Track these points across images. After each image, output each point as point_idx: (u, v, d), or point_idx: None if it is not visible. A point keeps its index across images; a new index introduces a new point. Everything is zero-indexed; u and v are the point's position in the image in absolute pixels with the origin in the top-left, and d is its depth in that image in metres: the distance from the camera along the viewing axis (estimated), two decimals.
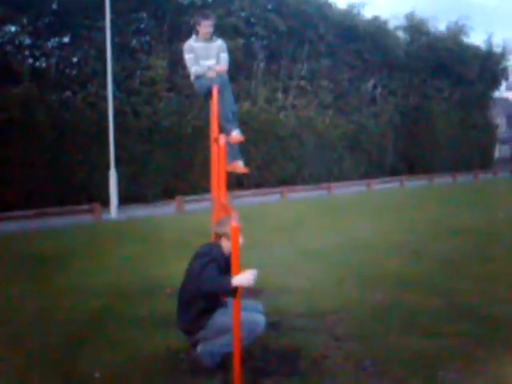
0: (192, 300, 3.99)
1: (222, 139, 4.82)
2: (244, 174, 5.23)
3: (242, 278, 3.57)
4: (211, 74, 5.40)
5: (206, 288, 3.78)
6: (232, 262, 3.70)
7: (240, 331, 3.72)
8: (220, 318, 3.96)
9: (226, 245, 4.03)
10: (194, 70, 5.54)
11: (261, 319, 4.09)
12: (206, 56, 5.56)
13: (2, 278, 7.04)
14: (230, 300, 3.84)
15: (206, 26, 5.51)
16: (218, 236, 4.14)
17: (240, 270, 3.62)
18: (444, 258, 8.06)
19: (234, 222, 3.70)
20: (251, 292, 5.83)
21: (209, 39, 5.58)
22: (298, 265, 7.71)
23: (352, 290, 6.28)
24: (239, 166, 5.60)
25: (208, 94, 5.39)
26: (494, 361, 4.20)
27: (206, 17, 5.56)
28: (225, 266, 3.94)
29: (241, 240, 3.87)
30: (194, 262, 4.10)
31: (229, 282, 3.58)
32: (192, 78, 5.64)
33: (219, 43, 5.68)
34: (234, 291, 3.62)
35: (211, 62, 5.54)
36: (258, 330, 4.04)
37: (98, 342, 4.66)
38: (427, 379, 3.88)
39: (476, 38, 62.00)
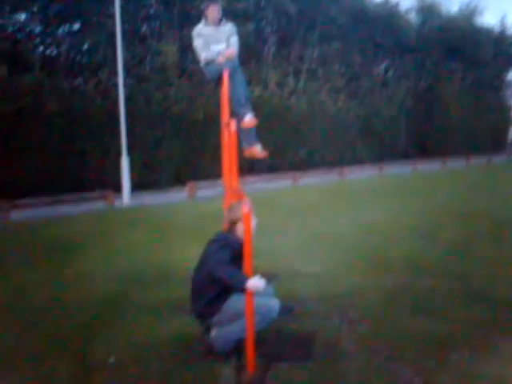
0: (206, 285, 4.01)
1: (233, 124, 4.80)
2: (258, 159, 5.27)
3: (255, 285, 3.67)
4: (221, 60, 5.37)
5: (218, 274, 3.79)
6: (245, 246, 3.72)
7: (254, 316, 3.74)
8: (234, 302, 3.98)
9: (240, 229, 4.04)
10: (203, 55, 5.52)
11: (275, 304, 4.10)
12: (215, 40, 5.54)
13: (16, 264, 7.12)
14: None
15: (213, 11, 5.48)
16: (233, 222, 4.13)
17: (252, 255, 3.64)
18: (457, 242, 8.02)
19: (246, 207, 3.71)
20: (264, 276, 5.85)
21: (217, 24, 5.56)
22: (311, 249, 7.72)
23: (364, 274, 6.28)
24: (257, 151, 5.62)
25: (218, 79, 5.38)
26: (508, 344, 4.19)
27: (213, 1, 5.54)
28: (239, 252, 3.95)
29: (254, 222, 3.89)
30: (208, 246, 4.12)
31: (243, 282, 3.66)
32: (202, 63, 5.62)
33: (229, 27, 5.64)
34: (243, 289, 3.69)
35: (221, 47, 5.52)
36: (272, 315, 4.06)
37: (112, 327, 4.71)
38: (440, 362, 3.89)
39: (489, 20, 60.99)
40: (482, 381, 3.64)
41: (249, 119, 5.41)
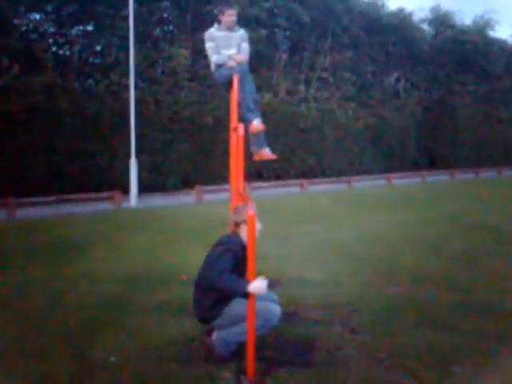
0: (208, 289, 4.00)
1: (241, 129, 4.80)
2: (267, 163, 5.31)
3: (258, 287, 3.67)
4: (231, 64, 5.39)
5: (219, 285, 3.81)
6: (248, 250, 3.71)
7: (255, 320, 3.73)
8: (237, 306, 3.96)
9: (244, 232, 4.03)
10: (214, 58, 5.53)
11: (277, 309, 4.09)
12: (227, 45, 5.55)
13: (21, 263, 7.14)
14: None
15: (229, 15, 5.50)
16: (237, 224, 4.14)
17: (256, 259, 3.63)
18: (463, 254, 7.96)
19: (251, 211, 3.70)
20: (268, 282, 5.84)
21: (231, 28, 5.57)
22: (316, 256, 7.70)
23: (368, 283, 6.25)
24: (266, 153, 5.63)
25: (228, 83, 5.39)
26: (511, 357, 4.14)
27: (230, 6, 5.55)
28: (243, 256, 3.95)
29: (258, 226, 3.89)
30: (212, 250, 4.12)
31: (244, 288, 3.66)
32: (212, 67, 5.64)
33: (241, 33, 5.67)
34: (246, 294, 3.69)
35: (232, 52, 5.53)
36: (273, 319, 4.05)
37: (114, 327, 4.70)
38: (442, 374, 3.85)
39: (502, 32, 60.93)
40: None
41: (257, 124, 5.41)
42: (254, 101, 5.53)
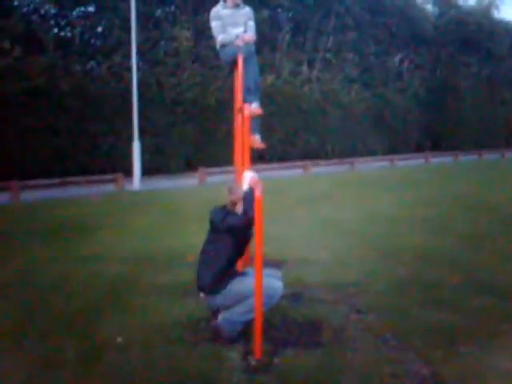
0: (215, 257, 4.02)
1: (247, 109, 4.75)
2: (262, 149, 5.15)
3: (247, 180, 4.11)
4: (239, 43, 5.30)
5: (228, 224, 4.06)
6: (256, 231, 3.69)
7: (260, 298, 3.73)
8: (237, 285, 3.97)
9: (240, 210, 4.11)
10: (220, 38, 5.43)
11: (278, 284, 4.09)
12: (233, 23, 5.45)
13: (26, 245, 7.15)
14: (249, 269, 3.83)
15: None
16: (234, 203, 4.17)
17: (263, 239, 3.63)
18: (467, 234, 7.96)
19: (258, 193, 3.68)
20: (273, 263, 5.85)
21: (237, 6, 5.48)
22: (320, 237, 7.70)
23: (374, 263, 6.26)
24: (256, 140, 5.47)
25: (233, 62, 5.31)
26: None
27: None
28: (244, 235, 3.97)
29: (249, 175, 4.24)
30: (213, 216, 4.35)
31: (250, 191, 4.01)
32: (218, 46, 5.55)
33: (247, 10, 5.55)
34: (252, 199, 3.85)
35: (239, 30, 5.42)
36: (276, 295, 4.05)
37: (120, 308, 4.72)
38: (448, 353, 3.86)
39: (507, 13, 60.33)
40: (491, 373, 3.61)
41: (254, 108, 5.30)
42: (256, 83, 5.43)
